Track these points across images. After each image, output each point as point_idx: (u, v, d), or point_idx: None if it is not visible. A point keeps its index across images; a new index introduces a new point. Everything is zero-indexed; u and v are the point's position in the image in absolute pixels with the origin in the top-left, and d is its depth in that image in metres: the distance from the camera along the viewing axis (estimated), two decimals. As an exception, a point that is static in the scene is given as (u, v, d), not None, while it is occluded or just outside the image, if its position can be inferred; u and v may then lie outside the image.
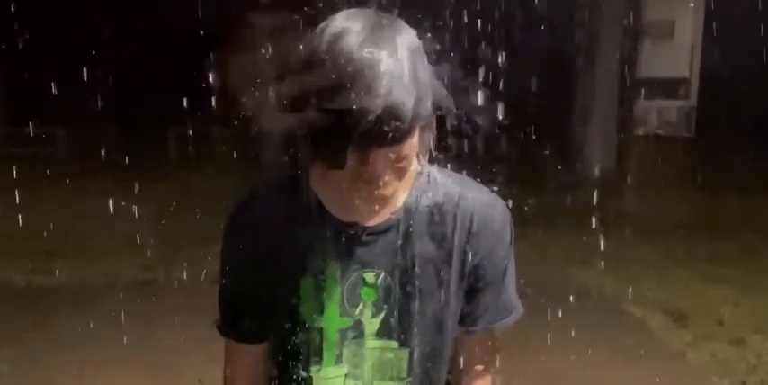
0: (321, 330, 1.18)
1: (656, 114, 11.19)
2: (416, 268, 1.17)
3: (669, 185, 7.67)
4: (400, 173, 1.08)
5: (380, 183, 1.06)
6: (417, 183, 1.18)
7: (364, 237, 1.16)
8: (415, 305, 1.18)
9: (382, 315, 1.18)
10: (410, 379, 1.21)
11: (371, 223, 1.16)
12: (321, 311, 1.17)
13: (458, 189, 1.19)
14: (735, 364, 4.01)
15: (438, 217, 1.18)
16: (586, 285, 5.15)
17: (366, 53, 0.97)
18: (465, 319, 1.22)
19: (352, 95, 0.95)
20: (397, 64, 0.98)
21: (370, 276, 1.17)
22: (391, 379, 1.21)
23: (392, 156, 1.03)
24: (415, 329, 1.18)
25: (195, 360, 3.38)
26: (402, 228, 1.17)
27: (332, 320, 1.18)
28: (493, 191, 1.23)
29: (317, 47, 1.00)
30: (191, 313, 2.87)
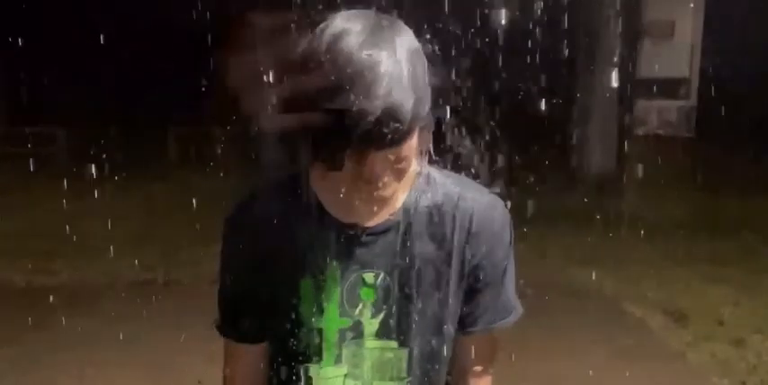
0: (321, 330, 1.18)
1: (656, 114, 11.19)
2: (416, 268, 1.17)
3: (669, 185, 7.65)
4: (399, 174, 1.08)
5: (380, 184, 1.06)
6: (416, 183, 1.18)
7: (364, 238, 1.16)
8: (415, 305, 1.18)
9: (382, 315, 1.18)
10: (410, 379, 1.21)
11: (371, 224, 1.16)
12: (321, 311, 1.17)
13: (457, 189, 1.19)
14: (735, 364, 4.01)
15: (437, 217, 1.18)
16: (586, 285, 5.15)
17: (365, 54, 0.97)
18: (464, 320, 1.22)
19: (352, 96, 0.95)
20: (396, 65, 0.98)
21: (369, 277, 1.17)
22: (391, 379, 1.21)
23: (391, 157, 1.03)
24: (415, 329, 1.19)
25: (195, 360, 3.38)
26: (401, 229, 1.17)
27: (331, 320, 1.18)
28: (492, 191, 1.23)
29: (317, 47, 1.00)
30: (191, 313, 2.87)
